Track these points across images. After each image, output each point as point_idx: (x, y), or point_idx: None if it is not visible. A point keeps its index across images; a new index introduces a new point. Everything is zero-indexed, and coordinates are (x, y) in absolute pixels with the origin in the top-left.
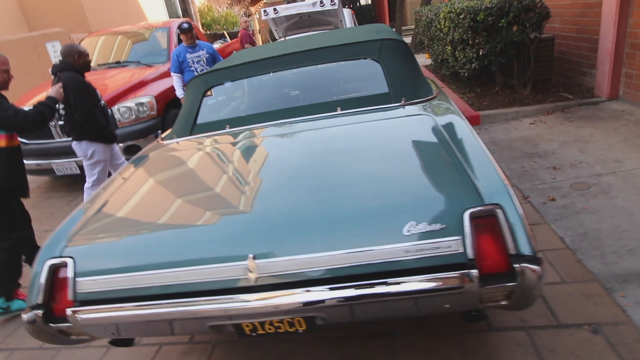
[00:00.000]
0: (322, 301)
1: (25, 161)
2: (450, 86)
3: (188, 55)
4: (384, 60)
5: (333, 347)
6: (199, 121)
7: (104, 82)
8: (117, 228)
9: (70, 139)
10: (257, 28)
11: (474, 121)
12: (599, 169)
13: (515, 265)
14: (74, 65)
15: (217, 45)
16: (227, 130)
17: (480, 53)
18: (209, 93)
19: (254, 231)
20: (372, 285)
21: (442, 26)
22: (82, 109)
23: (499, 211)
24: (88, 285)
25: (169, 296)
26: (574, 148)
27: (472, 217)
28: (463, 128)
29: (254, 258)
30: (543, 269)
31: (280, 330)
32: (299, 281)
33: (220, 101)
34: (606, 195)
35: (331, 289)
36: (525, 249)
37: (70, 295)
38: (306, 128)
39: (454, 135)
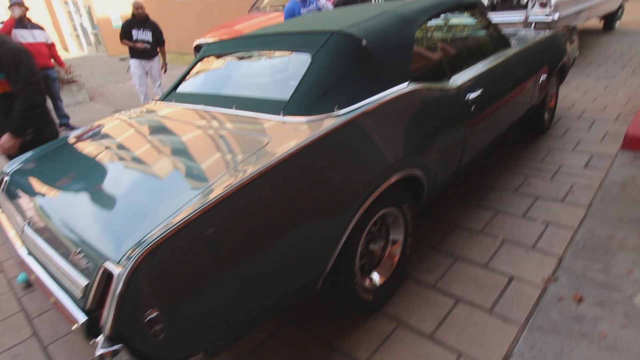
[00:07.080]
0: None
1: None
2: None
3: (302, 10)
4: (316, 58)
5: None
6: (178, 90)
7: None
8: None
9: None
10: None
11: (633, 144)
12: None
13: (94, 337)
14: None
15: None
16: (166, 102)
17: None
18: (204, 64)
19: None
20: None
21: None
22: None
23: (116, 274)
24: None
25: None
26: None
27: (106, 269)
28: (261, 161)
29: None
30: (107, 356)
31: None
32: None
33: (202, 73)
34: None
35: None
36: (105, 326)
37: None
38: (187, 120)
39: (243, 167)
